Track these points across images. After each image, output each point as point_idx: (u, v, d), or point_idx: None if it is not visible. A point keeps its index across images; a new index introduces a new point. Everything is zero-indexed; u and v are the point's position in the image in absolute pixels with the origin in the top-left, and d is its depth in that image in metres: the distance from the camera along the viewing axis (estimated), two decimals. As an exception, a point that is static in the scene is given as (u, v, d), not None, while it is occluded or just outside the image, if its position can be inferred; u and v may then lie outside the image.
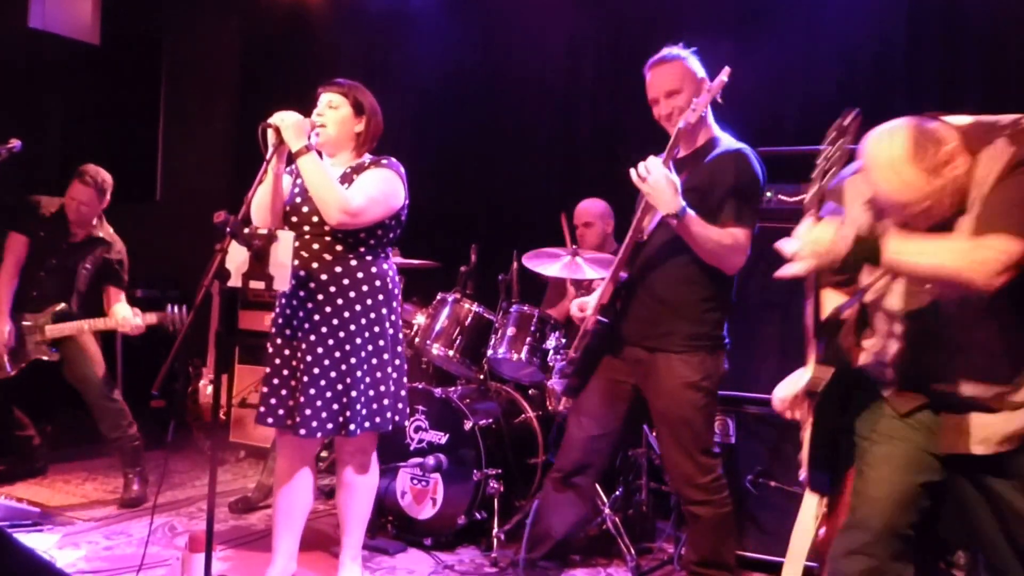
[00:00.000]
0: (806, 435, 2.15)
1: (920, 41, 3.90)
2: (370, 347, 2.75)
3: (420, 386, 3.61)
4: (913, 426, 1.98)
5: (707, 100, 2.49)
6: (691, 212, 2.49)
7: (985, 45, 3.75)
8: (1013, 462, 1.87)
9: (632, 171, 2.51)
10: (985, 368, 1.86)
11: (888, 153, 1.78)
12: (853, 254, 1.82)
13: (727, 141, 2.72)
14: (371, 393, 2.75)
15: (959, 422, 1.90)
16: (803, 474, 2.17)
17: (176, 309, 3.73)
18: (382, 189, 2.74)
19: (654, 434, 3.09)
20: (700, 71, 2.72)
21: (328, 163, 2.83)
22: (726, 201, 2.59)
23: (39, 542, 3.29)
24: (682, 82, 2.68)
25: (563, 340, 3.44)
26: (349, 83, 2.85)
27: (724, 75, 2.47)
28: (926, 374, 1.95)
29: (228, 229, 2.35)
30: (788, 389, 2.18)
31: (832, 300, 2.20)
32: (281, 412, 2.74)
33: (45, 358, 3.86)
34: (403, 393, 2.87)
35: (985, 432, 1.87)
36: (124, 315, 3.83)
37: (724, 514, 2.69)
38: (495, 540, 3.35)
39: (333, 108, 2.80)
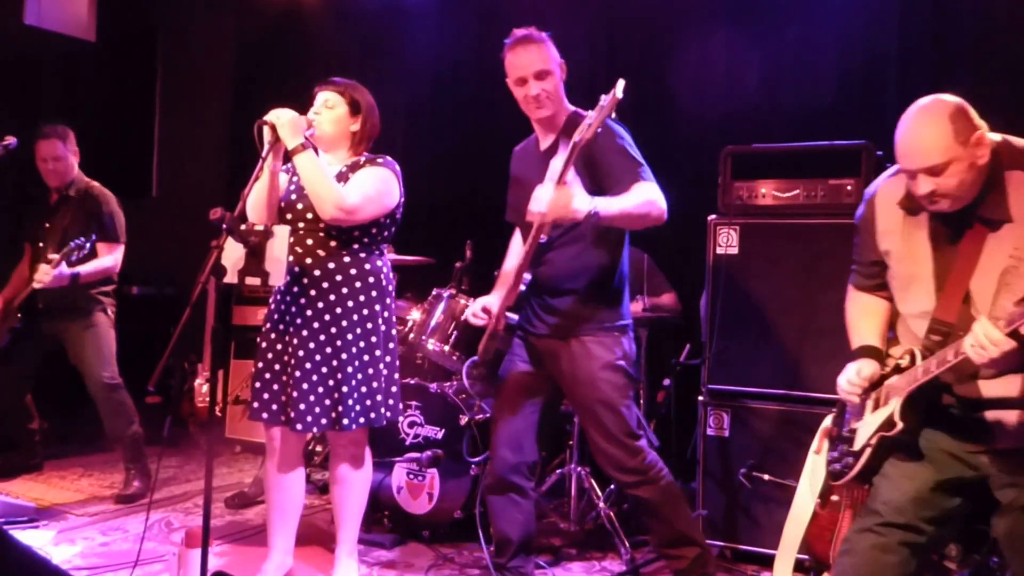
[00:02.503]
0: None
1: (912, 39, 3.91)
2: (362, 343, 2.76)
3: (415, 381, 3.62)
4: (938, 426, 2.01)
5: (602, 117, 2.33)
6: (599, 202, 2.40)
7: (976, 42, 3.77)
8: None
9: (535, 214, 2.38)
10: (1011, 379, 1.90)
11: (934, 105, 1.91)
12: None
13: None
14: (363, 389, 2.76)
15: (984, 418, 1.94)
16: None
17: (76, 243, 3.67)
18: (378, 187, 2.75)
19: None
20: (558, 57, 2.71)
21: (324, 161, 2.83)
22: (615, 164, 2.55)
23: (35, 538, 3.30)
24: (550, 63, 2.66)
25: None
26: (346, 82, 2.86)
27: (619, 90, 2.28)
28: (951, 380, 1.98)
29: (224, 226, 2.36)
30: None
31: (866, 303, 2.24)
32: (275, 407, 2.75)
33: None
34: (395, 389, 2.87)
35: (1010, 427, 1.91)
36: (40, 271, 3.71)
37: (664, 487, 2.69)
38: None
39: (329, 107, 2.81)
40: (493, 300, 2.79)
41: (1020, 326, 1.72)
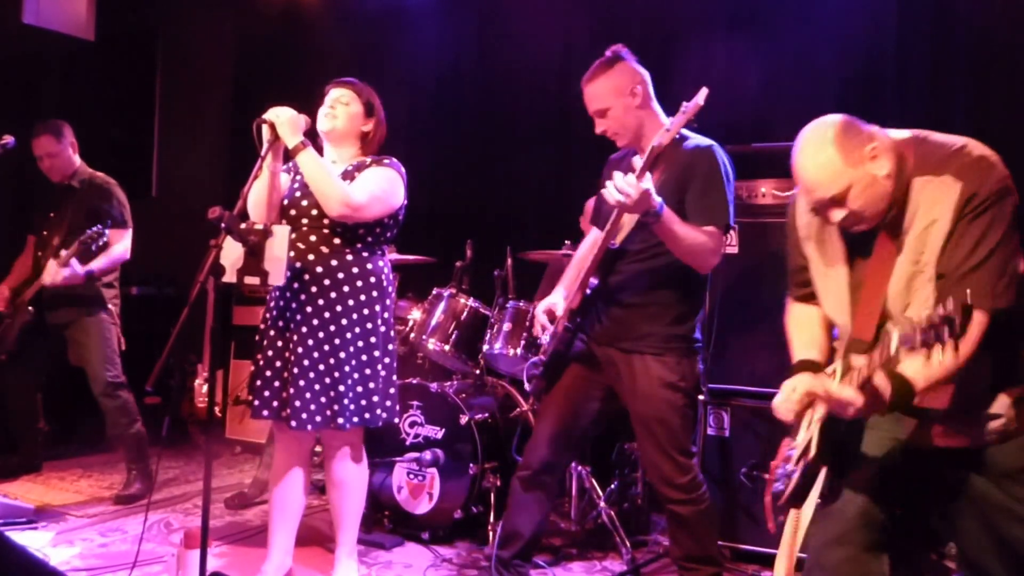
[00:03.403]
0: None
1: (909, 40, 3.91)
2: (360, 343, 2.75)
3: (415, 381, 3.61)
4: (891, 419, 1.94)
5: (682, 121, 2.38)
6: (668, 209, 2.43)
7: (973, 45, 3.77)
8: (989, 456, 1.87)
9: (610, 191, 2.37)
10: (967, 390, 1.85)
11: (815, 134, 1.85)
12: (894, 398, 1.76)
13: (695, 137, 2.67)
14: (360, 389, 2.75)
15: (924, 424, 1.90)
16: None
17: (93, 230, 3.67)
18: (384, 187, 2.75)
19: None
20: (627, 81, 2.64)
21: (330, 158, 2.85)
22: (700, 200, 2.55)
23: (33, 540, 3.29)
24: (609, 99, 2.64)
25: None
26: (363, 84, 2.89)
27: (700, 98, 2.36)
28: None
29: (223, 225, 2.35)
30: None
31: (802, 314, 2.15)
32: (276, 404, 2.74)
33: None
34: (392, 391, 2.86)
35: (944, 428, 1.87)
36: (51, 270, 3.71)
37: (704, 510, 2.70)
38: (491, 534, 3.35)
39: (344, 104, 2.82)
40: (558, 301, 2.77)
41: (868, 379, 1.70)
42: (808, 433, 1.91)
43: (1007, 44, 3.65)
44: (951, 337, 1.51)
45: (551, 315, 2.75)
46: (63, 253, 3.68)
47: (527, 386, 3.03)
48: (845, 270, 1.95)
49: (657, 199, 2.38)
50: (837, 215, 1.85)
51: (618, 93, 2.64)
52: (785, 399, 1.96)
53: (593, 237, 2.94)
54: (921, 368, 1.72)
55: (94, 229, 3.68)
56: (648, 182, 2.36)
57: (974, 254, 1.74)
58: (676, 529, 2.74)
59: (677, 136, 2.57)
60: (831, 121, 1.85)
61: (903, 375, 1.72)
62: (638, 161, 2.39)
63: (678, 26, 4.49)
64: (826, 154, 1.81)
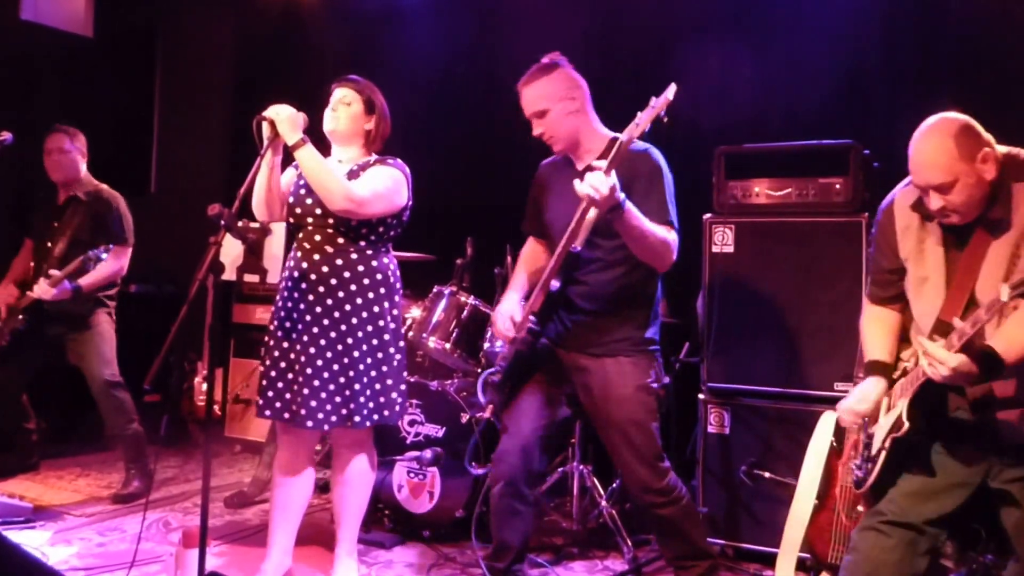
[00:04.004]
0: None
1: (897, 43, 3.93)
2: (374, 340, 2.76)
3: (415, 379, 3.59)
4: (947, 428, 2.04)
5: (651, 116, 2.34)
6: (630, 204, 2.42)
7: (960, 46, 3.80)
8: None
9: (583, 187, 2.35)
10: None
11: (939, 124, 1.99)
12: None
13: (635, 143, 2.63)
14: (377, 386, 2.76)
15: (993, 417, 1.97)
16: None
17: (92, 253, 3.66)
18: (387, 185, 2.76)
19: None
20: (566, 87, 2.68)
21: (337, 157, 2.86)
22: (648, 200, 2.55)
23: (31, 539, 3.27)
24: (548, 100, 2.67)
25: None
26: (364, 81, 2.88)
27: (669, 93, 2.33)
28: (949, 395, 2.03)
29: (222, 222, 2.34)
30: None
31: (877, 316, 2.27)
32: (278, 405, 2.74)
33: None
34: (403, 387, 2.86)
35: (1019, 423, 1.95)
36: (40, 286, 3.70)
37: (685, 507, 2.71)
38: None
39: (346, 104, 2.82)
40: (515, 308, 2.74)
41: (969, 339, 1.82)
42: (895, 413, 2.03)
43: (993, 44, 3.67)
44: None
45: (513, 323, 2.70)
46: (53, 273, 3.67)
47: (480, 396, 2.99)
48: (943, 260, 2.07)
49: (621, 194, 2.37)
50: (935, 202, 1.98)
51: (556, 97, 2.67)
52: (849, 408, 2.15)
53: (532, 245, 2.97)
54: (1006, 334, 1.87)
55: (92, 252, 3.67)
56: (614, 177, 2.35)
57: None
58: (663, 533, 2.76)
59: (624, 137, 2.55)
60: (956, 117, 2.00)
61: (991, 345, 1.86)
62: (602, 163, 2.36)
63: (671, 28, 4.51)
64: (945, 144, 1.95)
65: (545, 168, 2.94)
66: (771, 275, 3.28)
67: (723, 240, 3.36)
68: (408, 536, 3.45)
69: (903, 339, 2.21)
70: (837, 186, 3.20)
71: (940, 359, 1.85)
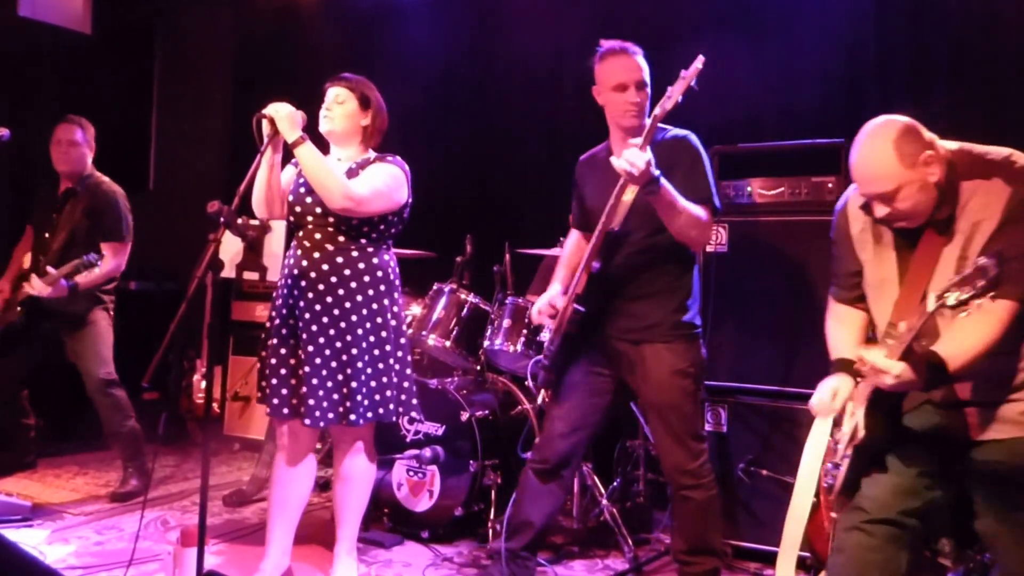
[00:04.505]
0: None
1: (889, 42, 3.93)
2: (372, 337, 2.75)
3: (415, 377, 3.58)
4: (918, 417, 2.02)
5: (682, 88, 2.41)
6: (665, 180, 2.44)
7: (952, 46, 3.81)
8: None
9: (619, 163, 2.39)
10: (989, 372, 1.93)
11: (877, 131, 1.96)
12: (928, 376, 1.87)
13: (672, 130, 2.74)
14: (373, 384, 2.75)
15: (961, 414, 1.96)
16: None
17: (87, 259, 3.62)
18: (387, 182, 2.75)
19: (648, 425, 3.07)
20: None
21: (335, 156, 2.85)
22: (687, 182, 2.59)
23: (28, 537, 3.26)
24: (648, 76, 2.70)
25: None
26: (356, 78, 2.86)
27: (699, 63, 2.40)
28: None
29: (222, 219, 2.32)
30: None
31: (844, 315, 2.25)
32: (275, 402, 2.74)
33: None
34: (407, 384, 2.86)
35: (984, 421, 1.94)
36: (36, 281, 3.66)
37: (712, 496, 2.74)
38: (492, 531, 3.33)
39: (340, 103, 2.81)
40: (557, 295, 2.77)
41: (908, 347, 1.82)
42: (852, 421, 2.01)
43: (985, 43, 3.67)
44: (985, 287, 1.65)
45: (553, 308, 2.75)
46: (50, 271, 3.64)
47: (530, 382, 3.02)
48: (896, 262, 2.06)
49: (656, 170, 2.40)
50: (881, 210, 1.96)
51: (648, 77, 2.70)
52: (825, 399, 2.10)
53: (576, 238, 2.98)
54: (952, 341, 1.86)
55: (88, 258, 3.63)
56: (649, 153, 2.38)
57: (1015, 247, 1.85)
58: (684, 517, 2.76)
59: (663, 126, 2.67)
60: (895, 122, 1.95)
61: (935, 351, 1.85)
62: (638, 139, 2.41)
63: (667, 26, 4.50)
64: (885, 153, 1.91)
65: (584, 162, 2.96)
66: (765, 274, 3.31)
67: (717, 240, 3.38)
68: (407, 535, 3.44)
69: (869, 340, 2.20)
70: (830, 185, 3.23)
71: (882, 367, 1.84)
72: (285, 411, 2.74)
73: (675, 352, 2.68)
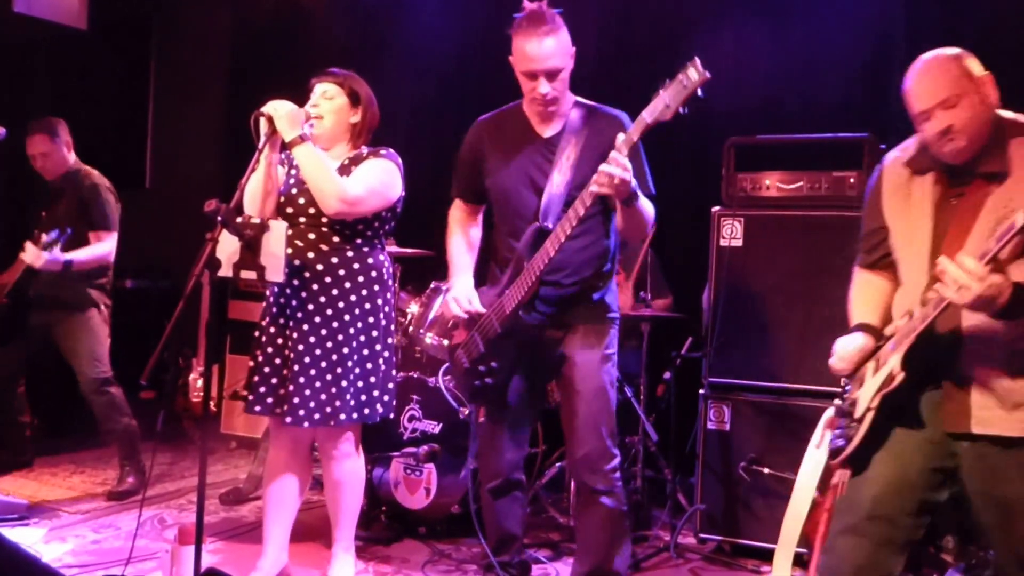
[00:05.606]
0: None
1: (918, 31, 3.87)
2: (362, 338, 2.73)
3: (414, 375, 3.58)
4: (918, 408, 1.98)
5: (683, 98, 2.20)
6: (639, 189, 2.37)
7: (982, 36, 3.75)
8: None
9: (614, 170, 2.25)
10: (997, 356, 1.88)
11: (938, 52, 2.00)
12: None
13: (605, 106, 2.61)
14: (360, 384, 2.73)
15: (962, 400, 1.91)
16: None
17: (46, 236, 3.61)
18: (381, 179, 2.72)
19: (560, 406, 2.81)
20: (571, 46, 2.53)
21: (325, 154, 2.79)
22: (637, 175, 2.38)
23: (25, 536, 3.25)
24: (565, 58, 2.49)
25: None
26: (344, 73, 2.82)
27: (704, 72, 2.17)
28: (940, 361, 1.95)
29: (219, 218, 2.31)
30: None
31: (867, 281, 2.19)
32: (270, 400, 2.72)
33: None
34: (391, 385, 2.83)
35: (987, 412, 1.89)
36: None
37: (626, 513, 2.65)
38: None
39: (328, 99, 2.76)
40: (471, 292, 2.67)
41: (997, 254, 1.72)
42: (882, 372, 1.95)
43: (1015, 32, 3.62)
44: None
45: (475, 311, 2.62)
46: (44, 237, 3.63)
47: (446, 389, 2.92)
48: (932, 214, 2.00)
49: (633, 180, 2.30)
50: (941, 121, 1.92)
51: (569, 55, 2.52)
52: (839, 356, 2.05)
53: (462, 210, 2.85)
54: None
55: (49, 236, 3.60)
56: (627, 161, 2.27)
57: None
58: (589, 529, 2.65)
59: (590, 104, 2.58)
60: (954, 48, 2.00)
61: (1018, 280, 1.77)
62: (621, 138, 2.25)
63: (686, 17, 4.45)
64: (948, 62, 1.96)
65: (487, 124, 2.76)
66: (780, 270, 3.24)
67: (731, 233, 3.31)
68: (405, 532, 3.44)
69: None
70: (851, 180, 3.15)
71: (970, 269, 1.70)
72: (258, 408, 2.72)
73: (604, 335, 2.61)
